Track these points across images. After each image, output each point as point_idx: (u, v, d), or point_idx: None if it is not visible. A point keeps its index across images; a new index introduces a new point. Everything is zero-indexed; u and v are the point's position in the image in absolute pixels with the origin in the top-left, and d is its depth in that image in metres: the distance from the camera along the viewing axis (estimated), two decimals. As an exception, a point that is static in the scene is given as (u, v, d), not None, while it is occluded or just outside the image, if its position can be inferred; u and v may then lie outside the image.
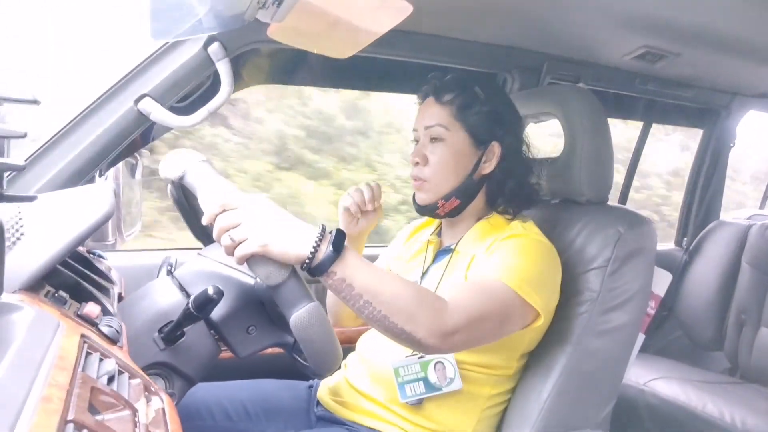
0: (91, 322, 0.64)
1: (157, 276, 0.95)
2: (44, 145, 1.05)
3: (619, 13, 1.21)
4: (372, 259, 1.07)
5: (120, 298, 0.91)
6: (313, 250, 0.73)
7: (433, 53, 1.38)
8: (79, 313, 0.64)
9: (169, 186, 0.93)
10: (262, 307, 0.86)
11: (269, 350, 0.90)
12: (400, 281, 0.80)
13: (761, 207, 2.61)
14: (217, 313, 0.81)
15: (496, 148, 1.02)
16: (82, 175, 1.06)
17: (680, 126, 2.35)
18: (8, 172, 0.96)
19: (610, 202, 1.15)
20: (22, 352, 0.47)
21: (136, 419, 0.49)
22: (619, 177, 2.15)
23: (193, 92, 1.18)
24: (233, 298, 0.84)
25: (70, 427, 0.40)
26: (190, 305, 0.76)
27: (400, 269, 1.14)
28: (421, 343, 0.79)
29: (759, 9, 1.14)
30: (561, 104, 1.16)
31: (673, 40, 1.35)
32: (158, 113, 1.08)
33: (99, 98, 1.08)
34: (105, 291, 0.82)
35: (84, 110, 1.07)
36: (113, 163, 1.16)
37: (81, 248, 1.01)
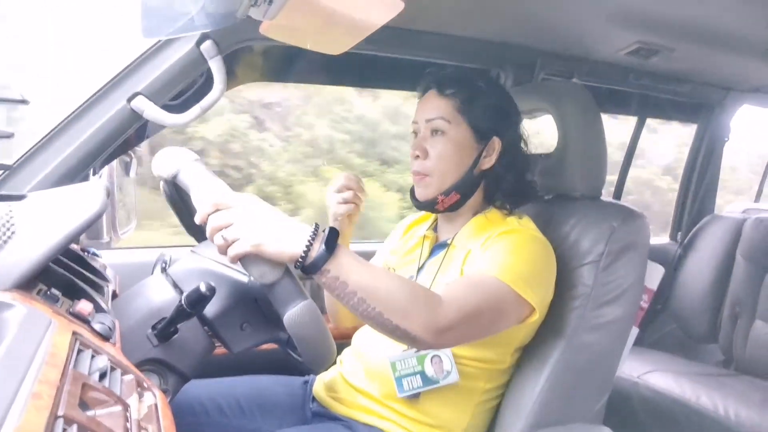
0: (83, 320, 0.64)
1: (152, 273, 0.95)
2: (37, 144, 1.04)
3: (612, 9, 1.21)
4: (369, 255, 1.07)
5: (114, 295, 0.91)
6: (306, 248, 0.73)
7: (426, 50, 1.38)
8: (71, 310, 0.65)
9: (162, 183, 0.93)
10: (255, 304, 0.86)
11: (264, 346, 0.90)
12: (394, 278, 0.80)
13: (756, 200, 2.62)
14: (210, 309, 0.82)
15: (496, 143, 1.02)
16: (75, 173, 1.06)
17: (674, 121, 2.36)
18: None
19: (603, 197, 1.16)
20: (13, 349, 0.47)
21: (128, 415, 0.50)
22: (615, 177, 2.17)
23: (186, 90, 1.17)
24: (226, 295, 0.84)
25: (60, 422, 0.41)
26: (182, 302, 0.76)
27: (397, 264, 1.14)
28: (416, 340, 0.79)
29: (752, 4, 1.14)
30: (554, 100, 1.16)
31: (666, 36, 1.35)
32: (151, 111, 1.08)
33: (92, 97, 1.07)
34: (99, 289, 0.82)
35: (76, 109, 1.07)
36: (107, 161, 1.16)
37: (75, 246, 1.01)
